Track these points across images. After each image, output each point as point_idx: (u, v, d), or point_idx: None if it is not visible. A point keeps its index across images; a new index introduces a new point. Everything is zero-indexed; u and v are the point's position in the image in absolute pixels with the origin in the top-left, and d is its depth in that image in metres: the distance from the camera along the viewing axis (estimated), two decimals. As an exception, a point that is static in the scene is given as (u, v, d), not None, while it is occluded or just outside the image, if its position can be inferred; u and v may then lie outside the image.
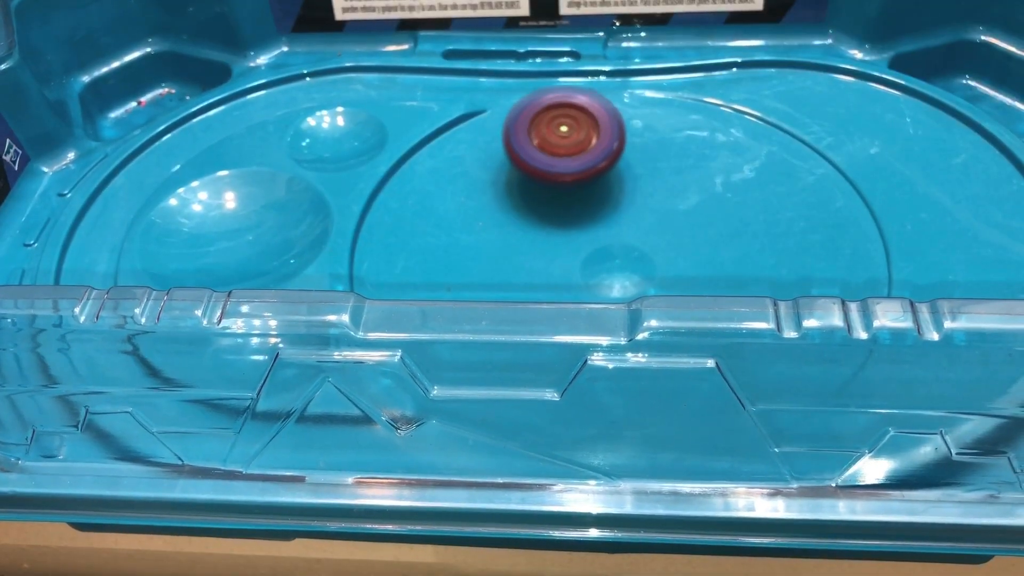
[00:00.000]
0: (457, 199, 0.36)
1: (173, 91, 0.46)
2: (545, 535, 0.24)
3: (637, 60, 0.41)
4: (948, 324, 0.21)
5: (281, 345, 0.23)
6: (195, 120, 0.40)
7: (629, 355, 0.22)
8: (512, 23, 0.43)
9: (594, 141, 0.33)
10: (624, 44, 0.43)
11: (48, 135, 0.40)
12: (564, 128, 0.33)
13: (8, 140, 0.38)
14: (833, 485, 0.23)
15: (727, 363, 0.22)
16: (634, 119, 0.38)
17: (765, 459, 0.23)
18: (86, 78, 0.44)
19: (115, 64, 0.44)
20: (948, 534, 0.22)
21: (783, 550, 0.26)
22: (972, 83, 0.41)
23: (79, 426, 0.25)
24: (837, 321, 0.22)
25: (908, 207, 0.33)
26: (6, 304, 0.24)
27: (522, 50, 0.43)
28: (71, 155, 0.40)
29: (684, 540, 0.23)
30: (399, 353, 0.23)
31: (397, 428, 0.24)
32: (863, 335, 0.22)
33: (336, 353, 0.23)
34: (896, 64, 0.41)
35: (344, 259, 0.33)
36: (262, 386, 0.24)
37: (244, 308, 0.23)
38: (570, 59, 0.42)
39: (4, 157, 0.37)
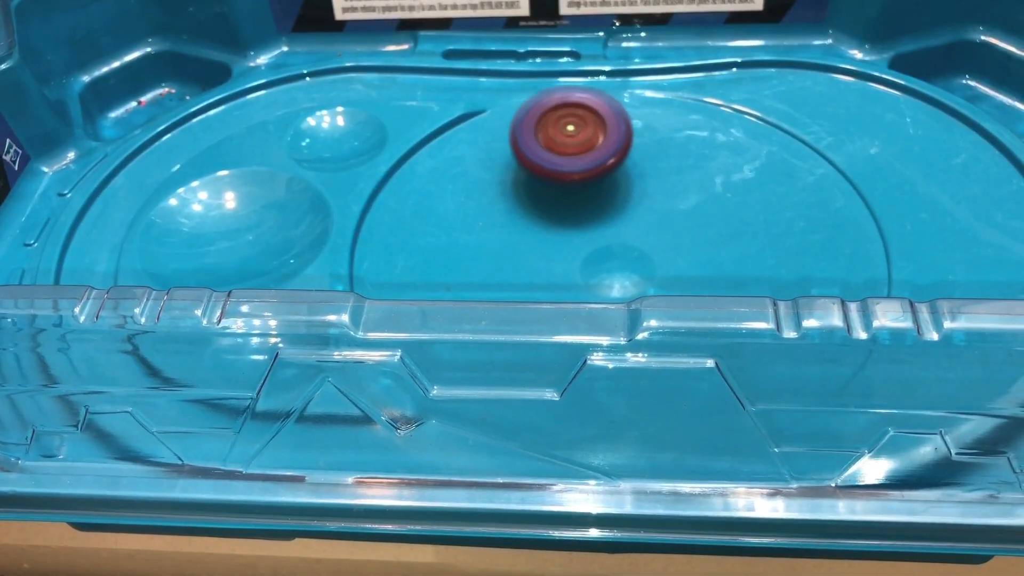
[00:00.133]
0: (457, 199, 0.36)
1: (173, 91, 0.46)
2: (545, 535, 0.24)
3: (637, 60, 0.41)
4: (948, 324, 0.21)
5: (281, 345, 0.23)
6: (195, 120, 0.40)
7: (629, 355, 0.22)
8: (512, 23, 0.43)
9: (601, 139, 0.33)
10: (624, 44, 0.43)
11: (48, 135, 0.40)
12: (571, 127, 0.33)
13: (8, 140, 0.38)
14: (833, 485, 0.23)
15: (727, 363, 0.22)
16: (634, 119, 0.38)
17: (765, 459, 0.23)
18: (86, 78, 0.44)
19: (115, 64, 0.44)
20: (948, 534, 0.22)
21: (783, 550, 0.26)
22: (972, 83, 0.41)
23: (79, 426, 0.25)
24: (837, 321, 0.22)
25: (908, 207, 0.33)
26: (6, 304, 0.24)
27: (522, 50, 0.43)
28: (71, 155, 0.40)
29: (684, 540, 0.23)
30: (399, 353, 0.23)
31: (397, 428, 0.24)
32: (863, 335, 0.22)
33: (336, 353, 0.23)
34: (896, 64, 0.41)
35: (344, 259, 0.33)
36: (262, 386, 0.24)
37: (244, 308, 0.23)
38: (570, 59, 0.42)
39: (4, 157, 0.37)
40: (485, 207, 0.35)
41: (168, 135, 0.40)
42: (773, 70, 0.40)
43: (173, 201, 0.36)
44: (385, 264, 0.33)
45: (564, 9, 0.43)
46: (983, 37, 0.40)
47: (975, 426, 0.23)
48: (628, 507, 0.23)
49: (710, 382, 0.22)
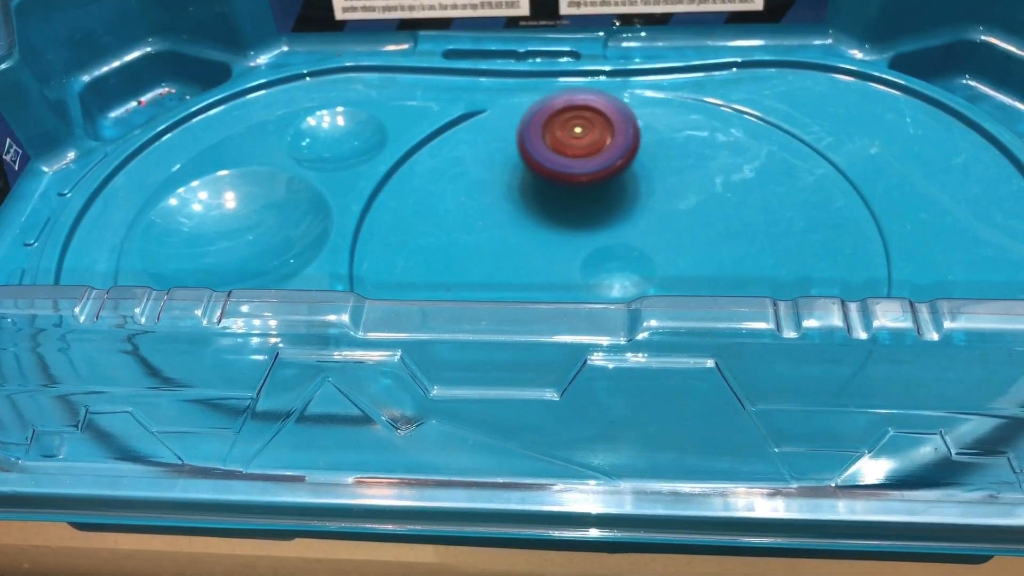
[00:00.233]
0: (457, 199, 0.36)
1: (173, 91, 0.46)
2: (545, 535, 0.24)
3: (637, 60, 0.41)
4: (948, 324, 0.21)
5: (281, 345, 0.23)
6: (195, 120, 0.40)
7: (629, 355, 0.22)
8: (512, 23, 0.43)
9: (609, 141, 0.33)
10: (624, 44, 0.43)
11: (48, 135, 0.40)
12: (578, 129, 0.33)
13: (8, 140, 0.38)
14: (833, 485, 0.23)
15: (727, 363, 0.22)
16: (634, 119, 0.38)
17: (765, 459, 0.23)
18: (86, 78, 0.44)
19: (115, 64, 0.44)
20: (948, 534, 0.22)
21: (783, 550, 0.26)
22: (972, 83, 0.41)
23: (79, 426, 0.25)
24: (837, 321, 0.22)
25: (908, 207, 0.33)
26: (6, 304, 0.24)
27: (522, 50, 0.43)
28: (71, 155, 0.40)
29: (684, 540, 0.23)
30: (399, 353, 0.23)
31: (397, 428, 0.24)
32: (863, 335, 0.22)
33: (336, 353, 0.23)
34: (896, 64, 0.41)
35: (344, 259, 0.33)
36: (262, 386, 0.24)
37: (244, 308, 0.23)
38: (570, 59, 0.42)
39: (4, 157, 0.37)
40: (485, 207, 0.35)
41: (168, 135, 0.40)
42: (773, 70, 0.40)
43: (173, 201, 0.36)
44: (385, 264, 0.33)
45: (564, 9, 0.43)
46: (983, 37, 0.40)
47: (975, 426, 0.23)
48: (628, 507, 0.23)
49: (710, 382, 0.22)
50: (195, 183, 0.37)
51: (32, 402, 0.26)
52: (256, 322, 0.23)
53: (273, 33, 0.44)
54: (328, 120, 0.40)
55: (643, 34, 0.43)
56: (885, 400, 0.23)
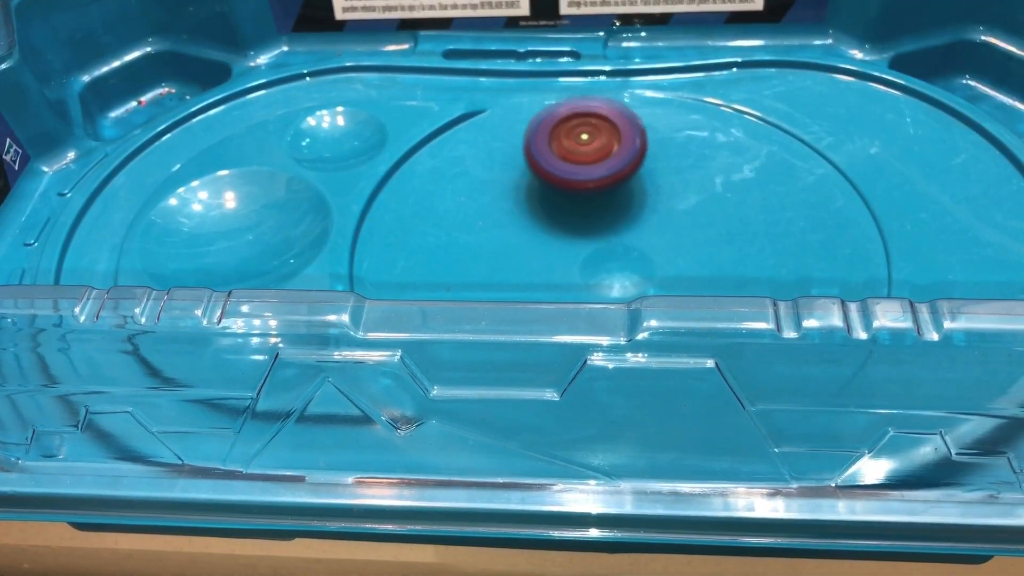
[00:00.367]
0: (457, 199, 0.36)
1: (173, 91, 0.46)
2: (545, 535, 0.24)
3: (637, 60, 0.41)
4: (948, 324, 0.21)
5: (281, 345, 0.23)
6: (195, 120, 0.40)
7: (629, 355, 0.22)
8: (512, 23, 0.43)
9: (616, 147, 0.33)
10: (624, 44, 0.43)
11: (48, 135, 0.40)
12: (585, 136, 0.33)
13: (8, 140, 0.38)
14: (833, 485, 0.23)
15: (727, 363, 0.22)
16: (634, 119, 0.38)
17: (765, 459, 0.23)
18: (86, 78, 0.44)
19: (115, 64, 0.44)
20: (948, 534, 0.22)
21: (783, 550, 0.26)
22: (972, 83, 0.41)
23: (79, 426, 0.25)
24: (837, 321, 0.22)
25: (908, 207, 0.33)
26: (6, 304, 0.24)
27: (522, 50, 0.43)
28: (71, 155, 0.40)
29: (684, 540, 0.23)
30: (399, 353, 0.23)
31: (397, 428, 0.24)
32: (863, 335, 0.22)
33: (336, 353, 0.23)
34: (896, 64, 0.41)
35: (344, 259, 0.33)
36: (262, 386, 0.24)
37: (244, 308, 0.23)
38: (570, 59, 0.42)
39: (4, 157, 0.37)
40: (485, 207, 0.35)
41: (168, 135, 0.40)
42: (773, 70, 0.40)
43: (173, 201, 0.36)
44: (385, 264, 0.33)
45: (564, 9, 0.43)
46: (983, 37, 0.40)
47: (975, 426, 0.23)
48: (628, 507, 0.23)
49: (710, 382, 0.22)
50: (195, 183, 0.37)
51: (32, 402, 0.26)
52: (256, 322, 0.23)
53: (273, 33, 0.44)
54: (328, 120, 0.40)
55: (643, 34, 0.43)
56: (885, 400, 0.23)
